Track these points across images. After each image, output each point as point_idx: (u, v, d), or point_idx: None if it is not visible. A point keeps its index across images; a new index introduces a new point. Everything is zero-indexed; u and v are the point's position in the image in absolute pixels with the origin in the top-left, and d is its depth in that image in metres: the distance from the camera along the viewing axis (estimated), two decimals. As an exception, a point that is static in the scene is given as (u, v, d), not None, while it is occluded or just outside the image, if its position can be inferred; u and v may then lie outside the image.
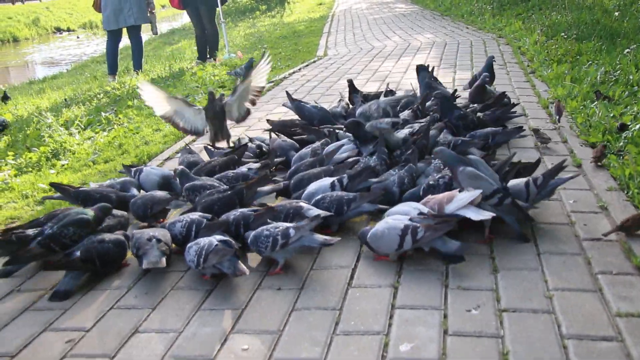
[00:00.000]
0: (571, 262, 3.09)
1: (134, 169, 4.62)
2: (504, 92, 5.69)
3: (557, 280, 2.92)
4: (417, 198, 3.62)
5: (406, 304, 2.83)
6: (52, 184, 4.31)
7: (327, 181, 3.81)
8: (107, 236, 3.45)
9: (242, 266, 3.03)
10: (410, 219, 3.19)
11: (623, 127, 4.97)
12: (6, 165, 6.30)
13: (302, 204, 3.51)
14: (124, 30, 11.60)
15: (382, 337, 2.59)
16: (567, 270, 3.01)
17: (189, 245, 3.22)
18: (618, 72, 7.22)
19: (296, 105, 5.61)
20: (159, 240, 3.30)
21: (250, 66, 8.76)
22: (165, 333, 2.79)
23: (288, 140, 5.00)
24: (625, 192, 3.89)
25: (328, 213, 3.42)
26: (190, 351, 2.64)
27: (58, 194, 4.33)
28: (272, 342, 2.63)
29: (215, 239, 3.13)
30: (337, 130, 4.95)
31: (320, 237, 3.15)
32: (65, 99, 10.76)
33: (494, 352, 2.42)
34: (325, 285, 3.05)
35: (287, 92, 5.79)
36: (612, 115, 5.42)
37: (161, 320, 2.91)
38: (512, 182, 3.56)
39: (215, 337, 2.72)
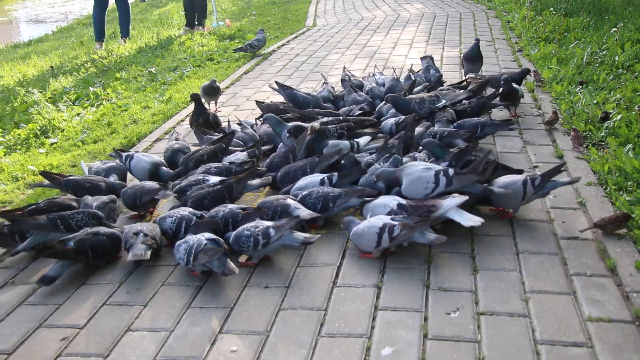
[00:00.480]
0: (548, 262, 3.21)
1: (125, 154, 4.67)
2: (488, 79, 5.72)
3: (534, 282, 3.04)
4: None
5: (389, 305, 2.94)
6: (42, 173, 4.35)
7: (317, 177, 3.89)
8: (103, 229, 3.54)
9: (232, 265, 3.13)
10: (391, 218, 3.30)
11: (606, 117, 5.06)
12: (-6, 142, 6.32)
13: (289, 201, 3.60)
14: (111, -3, 11.49)
15: (365, 340, 2.71)
16: (544, 271, 3.13)
17: (178, 242, 3.30)
18: (604, 52, 7.29)
19: (289, 92, 5.63)
20: (145, 235, 3.39)
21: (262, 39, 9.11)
22: (157, 332, 2.90)
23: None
24: (604, 187, 4.00)
25: (314, 214, 3.51)
26: (181, 352, 2.74)
27: (47, 182, 4.37)
28: (260, 343, 2.74)
29: (204, 237, 3.22)
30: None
31: (300, 236, 3.25)
32: (51, 67, 10.68)
33: (470, 358, 2.55)
34: (311, 284, 3.16)
35: (277, 82, 5.81)
36: (595, 102, 5.51)
37: (152, 318, 3.01)
38: (509, 179, 3.64)
39: (205, 337, 2.83)
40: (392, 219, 3.29)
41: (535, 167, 4.39)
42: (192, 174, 4.25)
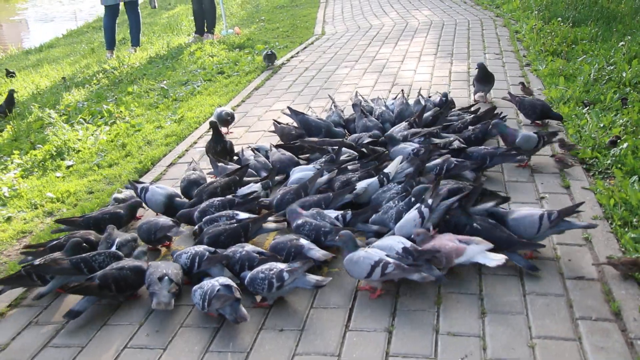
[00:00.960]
0: (554, 304, 3.31)
1: (140, 186, 4.78)
2: (493, 105, 5.80)
3: (540, 327, 3.14)
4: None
5: (399, 351, 3.05)
6: (58, 221, 4.44)
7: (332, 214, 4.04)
8: (127, 263, 3.68)
9: (243, 312, 3.23)
10: (387, 255, 3.43)
11: (616, 141, 5.13)
12: (12, 163, 6.46)
13: (302, 241, 3.71)
14: (122, 5, 11.59)
15: (377, 389, 2.82)
16: (550, 314, 3.23)
17: (194, 288, 3.42)
18: (612, 67, 7.36)
19: (301, 118, 5.73)
20: (170, 281, 3.50)
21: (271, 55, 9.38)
22: (177, 378, 3.02)
23: (287, 153, 5.14)
24: (610, 222, 4.09)
25: (328, 255, 3.62)
26: (200, 399, 2.87)
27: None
28: (276, 391, 2.86)
29: (218, 283, 3.32)
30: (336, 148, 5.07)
31: (312, 279, 3.37)
32: (63, 78, 10.79)
33: (478, 409, 2.66)
34: (324, 327, 3.27)
35: (289, 108, 5.91)
36: (602, 125, 5.58)
37: (172, 362, 3.14)
38: (525, 212, 3.76)
39: (223, 384, 2.95)
40: (387, 255, 3.42)
41: (542, 198, 4.48)
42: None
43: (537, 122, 5.87)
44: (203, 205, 4.36)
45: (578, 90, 6.59)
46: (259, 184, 4.62)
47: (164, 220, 4.19)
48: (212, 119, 6.13)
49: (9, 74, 11.64)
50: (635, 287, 3.40)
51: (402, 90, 6.27)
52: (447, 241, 3.55)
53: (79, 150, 6.62)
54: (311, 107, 6.44)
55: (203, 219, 4.16)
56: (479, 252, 3.45)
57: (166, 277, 3.51)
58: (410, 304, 3.41)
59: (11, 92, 8.71)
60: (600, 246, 3.81)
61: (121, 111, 7.80)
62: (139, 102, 8.36)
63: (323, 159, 4.86)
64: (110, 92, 9.40)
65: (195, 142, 6.34)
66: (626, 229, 3.96)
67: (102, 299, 3.63)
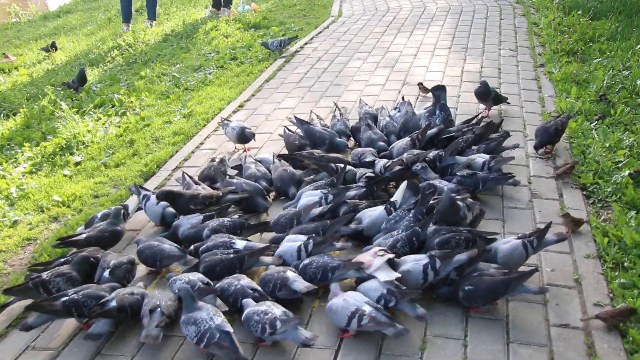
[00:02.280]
0: (537, 356, 3.36)
1: (143, 193, 4.87)
2: (492, 121, 5.75)
3: (520, 382, 3.22)
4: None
5: (379, 403, 3.14)
6: (60, 241, 4.47)
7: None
8: (135, 289, 3.80)
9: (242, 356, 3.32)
10: (367, 302, 3.51)
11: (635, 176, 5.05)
12: (22, 155, 6.57)
13: (289, 274, 3.77)
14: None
15: None
16: (531, 367, 3.30)
17: (187, 321, 3.48)
18: (627, 72, 7.26)
19: (306, 128, 5.75)
20: (162, 313, 3.58)
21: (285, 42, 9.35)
22: (164, 418, 3.13)
23: (289, 169, 5.17)
24: (602, 261, 4.11)
25: (311, 287, 3.69)
26: None
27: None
28: None
29: (214, 324, 3.38)
30: (341, 166, 5.08)
31: (302, 336, 3.39)
32: (82, 68, 10.75)
33: None
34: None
35: (295, 117, 5.92)
36: (608, 145, 5.55)
37: (161, 400, 3.25)
38: (509, 245, 3.89)
39: None
40: (367, 302, 3.49)
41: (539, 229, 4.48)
42: (206, 227, 4.44)
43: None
44: (214, 224, 4.44)
45: (589, 101, 6.51)
46: (200, 217, 4.57)
47: (169, 247, 4.22)
48: (230, 136, 5.98)
49: (52, 47, 11.57)
50: (619, 340, 3.44)
51: (404, 97, 6.24)
52: (367, 256, 3.81)
53: (87, 145, 6.71)
54: (314, 112, 6.41)
55: (203, 244, 4.23)
56: (379, 264, 3.68)
57: (158, 310, 3.59)
58: (395, 347, 3.48)
59: (82, 70, 8.86)
60: (590, 290, 3.84)
61: (132, 101, 7.85)
62: (151, 89, 8.41)
63: (324, 182, 4.88)
64: (123, 74, 9.46)
65: (202, 143, 6.40)
66: (617, 272, 3.98)
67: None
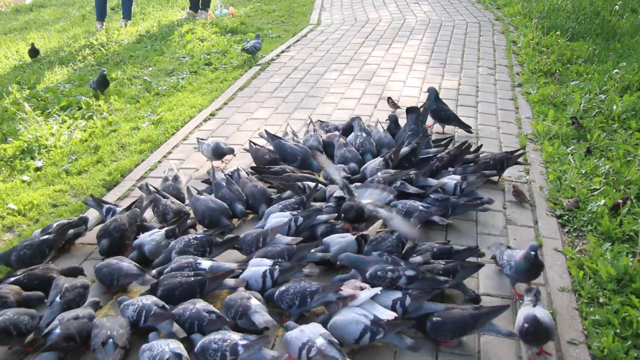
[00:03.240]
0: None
1: (106, 206, 4.65)
2: (467, 142, 5.59)
3: None
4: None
5: None
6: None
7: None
8: (80, 311, 3.55)
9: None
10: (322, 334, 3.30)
11: (618, 206, 4.90)
12: (-21, 157, 6.30)
13: (252, 302, 3.56)
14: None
15: None
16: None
17: (142, 348, 3.28)
18: (603, 96, 7.21)
19: (277, 143, 5.56)
20: (115, 346, 3.33)
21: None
22: None
23: (259, 184, 4.97)
24: (577, 296, 3.98)
25: (271, 322, 3.47)
26: None
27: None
28: None
29: (168, 348, 3.19)
30: (308, 184, 4.90)
31: (268, 355, 3.23)
32: (48, 59, 10.42)
33: None
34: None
35: (266, 131, 5.72)
36: (584, 171, 5.46)
37: None
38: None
39: None
40: (323, 334, 3.30)
41: (512, 258, 4.35)
42: (173, 248, 4.20)
43: None
44: (180, 245, 4.18)
45: (565, 125, 6.43)
46: (162, 231, 4.39)
47: (128, 265, 4.01)
48: (206, 154, 5.64)
49: (34, 52, 10.46)
50: (593, 382, 3.31)
51: (378, 120, 6.09)
52: (351, 288, 3.61)
53: (50, 149, 6.44)
54: (289, 124, 6.23)
55: (167, 267, 4.01)
56: (367, 297, 3.49)
57: (110, 341, 3.35)
58: (360, 384, 3.31)
59: (103, 73, 8.04)
60: (564, 326, 3.70)
61: (100, 105, 7.59)
62: (121, 92, 8.16)
63: (293, 200, 4.69)
64: (94, 75, 9.17)
65: (169, 152, 6.17)
66: (592, 308, 3.86)
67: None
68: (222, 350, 3.20)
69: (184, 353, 3.22)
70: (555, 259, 4.36)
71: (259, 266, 3.92)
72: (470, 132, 6.40)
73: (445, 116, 6.36)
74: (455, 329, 3.46)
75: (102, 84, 7.98)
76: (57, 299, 3.66)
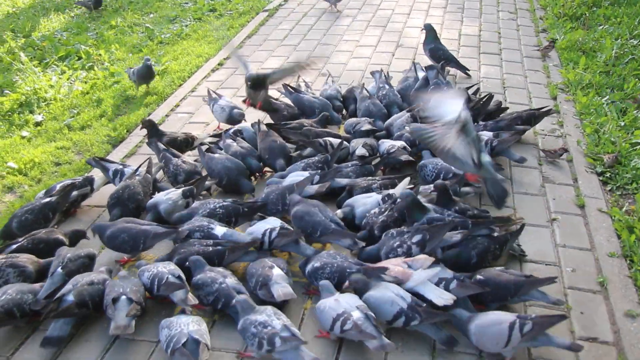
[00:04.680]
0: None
1: (113, 168, 4.30)
2: (500, 102, 5.21)
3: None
4: (376, 258, 3.45)
5: None
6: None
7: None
8: (95, 276, 3.29)
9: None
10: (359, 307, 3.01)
11: None
12: (-25, 111, 5.91)
13: (272, 272, 3.25)
14: None
15: None
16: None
17: (162, 324, 3.00)
18: (635, 41, 6.79)
19: (295, 97, 5.19)
20: (129, 301, 3.08)
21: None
22: None
23: (279, 140, 4.60)
24: (629, 262, 3.67)
25: (290, 296, 3.17)
26: None
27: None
28: None
29: (187, 330, 2.89)
30: (330, 141, 4.54)
31: (307, 357, 2.87)
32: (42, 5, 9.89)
33: None
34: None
35: (284, 86, 5.30)
36: (623, 124, 5.10)
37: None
38: (493, 317, 3.00)
39: None
40: (360, 307, 3.00)
41: (554, 220, 4.03)
42: (197, 211, 3.85)
43: None
44: (204, 211, 3.83)
45: (598, 73, 6.03)
46: (179, 191, 4.05)
47: (150, 225, 3.66)
48: (217, 116, 5.18)
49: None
50: (655, 361, 3.02)
51: (381, 70, 5.61)
52: (393, 265, 3.23)
53: (50, 102, 6.04)
54: (301, 76, 5.83)
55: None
56: (424, 279, 3.13)
57: (123, 297, 3.10)
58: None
59: (148, 63, 6.02)
60: (617, 295, 3.40)
61: (100, 54, 7.15)
62: (121, 40, 7.71)
63: (317, 159, 4.33)
64: (92, 22, 8.70)
65: (177, 105, 5.79)
66: (646, 274, 3.56)
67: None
68: (260, 338, 2.88)
69: (203, 338, 2.92)
70: (601, 220, 4.04)
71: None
72: (469, 76, 6.12)
73: (444, 56, 6.01)
74: (496, 294, 3.17)
75: (147, 76, 6.08)
76: (59, 269, 3.35)
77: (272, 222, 3.69)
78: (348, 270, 3.25)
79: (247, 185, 4.29)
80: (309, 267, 3.34)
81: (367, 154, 4.44)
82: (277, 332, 2.87)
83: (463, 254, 3.41)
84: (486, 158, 3.70)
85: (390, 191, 3.94)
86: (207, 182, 4.24)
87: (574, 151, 4.80)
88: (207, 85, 6.02)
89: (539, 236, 3.87)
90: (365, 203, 3.87)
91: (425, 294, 3.11)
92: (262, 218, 3.81)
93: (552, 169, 4.60)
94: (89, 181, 4.26)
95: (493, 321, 2.96)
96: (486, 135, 4.62)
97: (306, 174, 4.13)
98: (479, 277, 3.20)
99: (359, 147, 4.48)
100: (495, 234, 3.48)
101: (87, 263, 3.49)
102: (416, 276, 3.15)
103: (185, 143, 4.78)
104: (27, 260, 3.44)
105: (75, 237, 3.79)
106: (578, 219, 4.06)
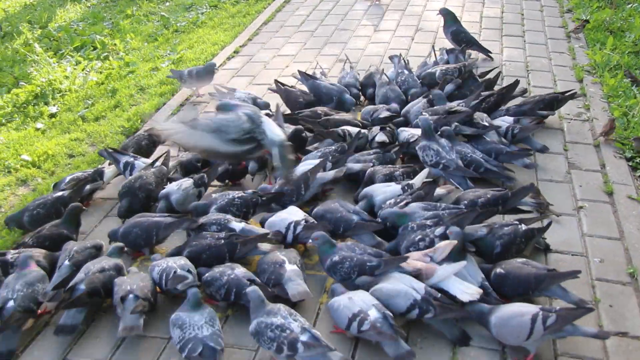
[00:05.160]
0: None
1: (124, 160, 4.21)
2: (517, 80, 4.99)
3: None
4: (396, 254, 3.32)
5: None
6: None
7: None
8: (106, 263, 3.23)
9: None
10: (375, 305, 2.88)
11: None
12: (-9, 103, 5.86)
13: (285, 268, 3.13)
14: None
15: None
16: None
17: (172, 321, 2.90)
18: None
19: (311, 84, 5.06)
20: (136, 297, 3.00)
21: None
22: None
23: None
24: (661, 253, 3.51)
25: (306, 296, 3.06)
26: None
27: None
28: None
29: (202, 334, 2.78)
30: (349, 130, 4.40)
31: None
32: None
33: None
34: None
35: (299, 72, 5.18)
36: (653, 106, 4.90)
37: None
38: (516, 309, 2.85)
39: None
40: (376, 305, 2.87)
41: (581, 208, 3.86)
42: (214, 204, 3.75)
43: None
44: (222, 202, 3.73)
45: (627, 54, 5.81)
46: (190, 180, 3.95)
47: (162, 217, 3.61)
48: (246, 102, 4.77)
49: None
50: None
51: (400, 55, 5.44)
52: (415, 262, 3.10)
53: (65, 94, 5.98)
54: (319, 63, 5.68)
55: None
56: (449, 274, 2.99)
57: (130, 296, 3.01)
58: None
59: (212, 67, 5.61)
60: (652, 290, 3.25)
61: (115, 44, 7.07)
62: (137, 29, 7.63)
63: (334, 148, 4.20)
64: (108, 12, 8.63)
65: (191, 95, 5.68)
66: (682, 267, 3.38)
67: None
68: (279, 342, 2.73)
69: (218, 345, 2.80)
70: (630, 208, 3.88)
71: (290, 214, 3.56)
72: (491, 59, 5.96)
73: (466, 39, 5.85)
74: (517, 286, 3.04)
75: (206, 79, 5.54)
76: (66, 261, 3.31)
77: (295, 213, 3.58)
78: (368, 264, 3.11)
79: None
80: (328, 262, 3.21)
81: (387, 140, 4.31)
82: (298, 337, 2.72)
83: (487, 243, 3.28)
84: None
85: (411, 181, 3.80)
86: (219, 169, 4.14)
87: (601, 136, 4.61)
88: (223, 74, 5.93)
89: (564, 225, 3.71)
90: (385, 192, 3.74)
91: (450, 289, 2.98)
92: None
93: (578, 155, 4.42)
94: (99, 173, 4.18)
95: (515, 313, 2.83)
96: (507, 121, 4.46)
97: (317, 160, 4.01)
98: (499, 270, 3.08)
99: (379, 133, 4.34)
100: (523, 227, 3.32)
101: (95, 253, 3.43)
102: (440, 272, 3.01)
103: (152, 144, 4.59)
104: (40, 254, 3.39)
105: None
106: (606, 207, 3.89)
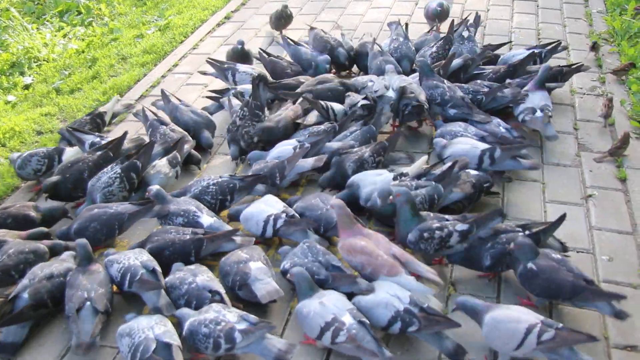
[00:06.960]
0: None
1: (90, 140, 3.85)
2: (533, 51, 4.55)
3: None
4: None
5: None
6: None
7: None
8: (56, 268, 2.89)
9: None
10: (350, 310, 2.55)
11: None
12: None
13: (250, 267, 2.80)
14: None
15: None
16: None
17: (120, 332, 2.54)
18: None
19: (293, 49, 4.75)
20: (94, 311, 2.67)
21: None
22: None
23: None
24: (677, 253, 3.12)
25: (277, 294, 2.75)
26: None
27: None
28: None
29: (153, 334, 2.46)
30: (331, 106, 4.02)
31: (274, 347, 2.47)
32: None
33: None
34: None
35: (282, 37, 4.82)
36: (675, 81, 4.45)
37: None
38: (515, 314, 2.52)
39: None
40: (351, 311, 2.56)
41: (589, 196, 3.47)
42: (189, 189, 3.43)
43: None
44: (196, 189, 3.41)
45: (647, 21, 5.35)
46: (164, 162, 3.64)
47: (125, 205, 3.29)
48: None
49: None
50: None
51: (399, 21, 4.98)
52: (380, 251, 2.82)
53: (42, 63, 5.61)
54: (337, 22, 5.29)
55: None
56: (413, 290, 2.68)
57: (88, 304, 2.67)
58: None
59: (241, 46, 5.03)
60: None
61: (100, 8, 6.66)
62: (123, -3, 7.22)
63: (323, 128, 3.84)
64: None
65: (175, 65, 5.31)
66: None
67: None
68: (215, 337, 2.45)
69: (174, 340, 2.48)
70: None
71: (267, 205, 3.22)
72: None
73: None
74: (548, 288, 2.67)
75: (241, 57, 4.96)
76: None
77: (273, 204, 3.23)
78: (316, 276, 2.75)
79: (206, 140, 4.08)
80: (282, 265, 2.89)
81: (370, 102, 3.98)
82: (233, 326, 2.45)
83: (476, 253, 2.93)
84: None
85: (404, 169, 3.42)
86: (186, 146, 3.83)
87: (617, 113, 4.20)
88: (211, 41, 5.55)
89: (570, 216, 3.25)
90: (375, 182, 3.33)
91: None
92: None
93: (589, 135, 4.03)
94: (58, 152, 3.81)
95: (511, 318, 2.49)
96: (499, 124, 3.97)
97: (293, 141, 3.67)
98: (531, 266, 2.69)
99: (359, 100, 4.00)
100: (527, 232, 2.92)
101: (32, 260, 3.02)
102: (403, 281, 2.72)
103: (95, 125, 4.19)
104: (6, 233, 3.14)
105: (52, 217, 3.42)
106: (618, 196, 3.51)
